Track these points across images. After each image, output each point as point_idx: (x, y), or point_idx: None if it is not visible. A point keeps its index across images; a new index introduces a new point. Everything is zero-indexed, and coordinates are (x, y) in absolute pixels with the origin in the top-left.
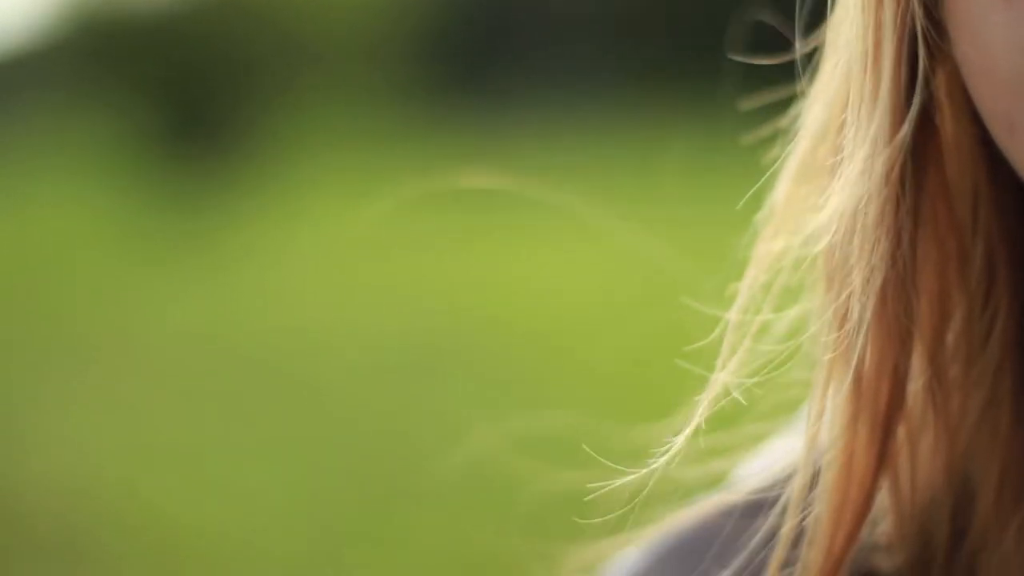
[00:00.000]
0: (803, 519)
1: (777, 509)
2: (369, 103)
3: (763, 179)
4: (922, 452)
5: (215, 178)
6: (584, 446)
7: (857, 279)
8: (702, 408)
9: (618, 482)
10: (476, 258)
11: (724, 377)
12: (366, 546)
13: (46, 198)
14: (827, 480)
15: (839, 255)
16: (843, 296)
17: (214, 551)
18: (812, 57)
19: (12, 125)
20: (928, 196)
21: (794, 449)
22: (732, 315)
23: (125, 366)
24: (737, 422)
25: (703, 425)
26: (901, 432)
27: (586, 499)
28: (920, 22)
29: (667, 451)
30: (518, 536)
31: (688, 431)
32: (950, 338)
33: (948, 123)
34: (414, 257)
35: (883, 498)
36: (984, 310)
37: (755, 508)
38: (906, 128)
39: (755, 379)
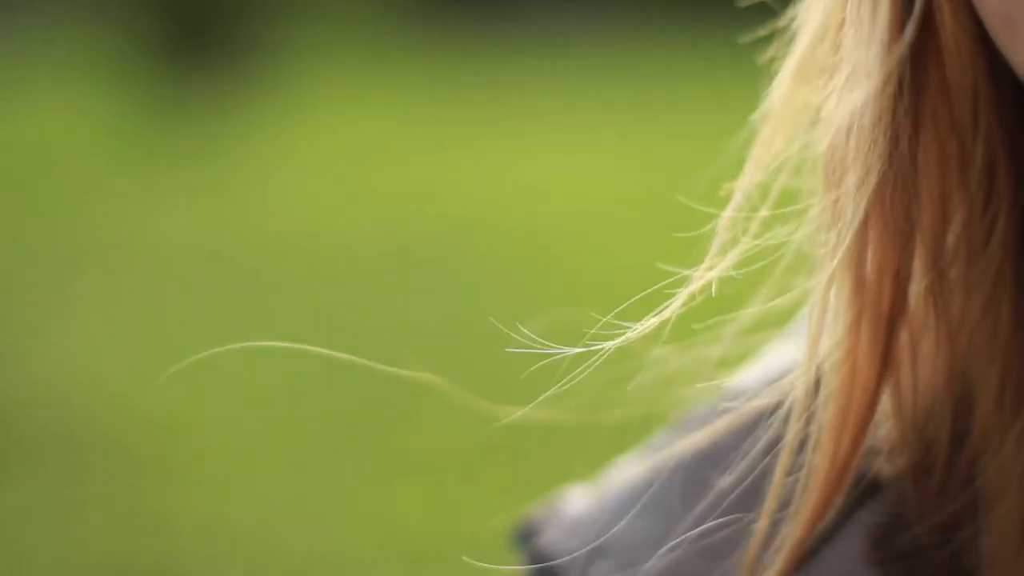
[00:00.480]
0: (806, 425)
1: (779, 417)
2: (372, 12)
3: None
4: (923, 355)
5: (215, 87)
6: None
7: (855, 180)
8: (681, 297)
9: (600, 357)
10: (481, 165)
11: (711, 275)
12: (363, 445)
13: (43, 105)
14: (831, 384)
15: (838, 156)
16: (841, 197)
17: (211, 449)
18: None
19: (7, 30)
20: (928, 97)
21: (792, 357)
22: (725, 213)
23: (122, 272)
24: (733, 330)
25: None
26: (903, 336)
27: (563, 385)
28: None
29: (643, 330)
30: (516, 433)
31: (658, 315)
32: (951, 240)
33: (948, 23)
34: (415, 164)
35: (884, 402)
36: (984, 212)
37: (756, 417)
38: (909, 28)
39: (743, 270)
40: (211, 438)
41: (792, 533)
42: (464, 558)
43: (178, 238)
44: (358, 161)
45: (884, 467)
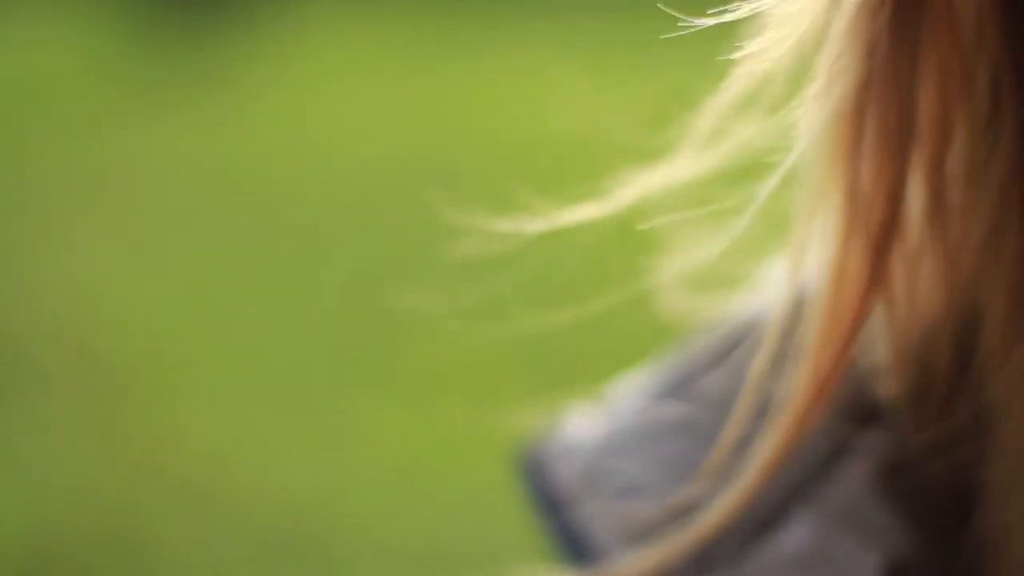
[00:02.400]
0: (789, 339)
1: (768, 332)
2: None
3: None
4: (921, 277)
5: (215, 18)
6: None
7: (852, 80)
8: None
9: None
10: (488, 87)
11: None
12: (368, 369)
13: (41, 34)
14: (817, 296)
15: (833, 62)
16: (836, 97)
17: (217, 376)
18: None
19: None
20: (930, 16)
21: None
22: (705, 120)
23: (127, 200)
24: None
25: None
26: (899, 256)
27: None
28: None
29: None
30: (521, 360)
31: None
32: (951, 163)
33: None
34: (422, 87)
35: (881, 324)
36: (986, 135)
37: (747, 330)
38: None
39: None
40: (215, 365)
41: (765, 449)
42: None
43: (180, 162)
44: (362, 81)
45: (879, 389)
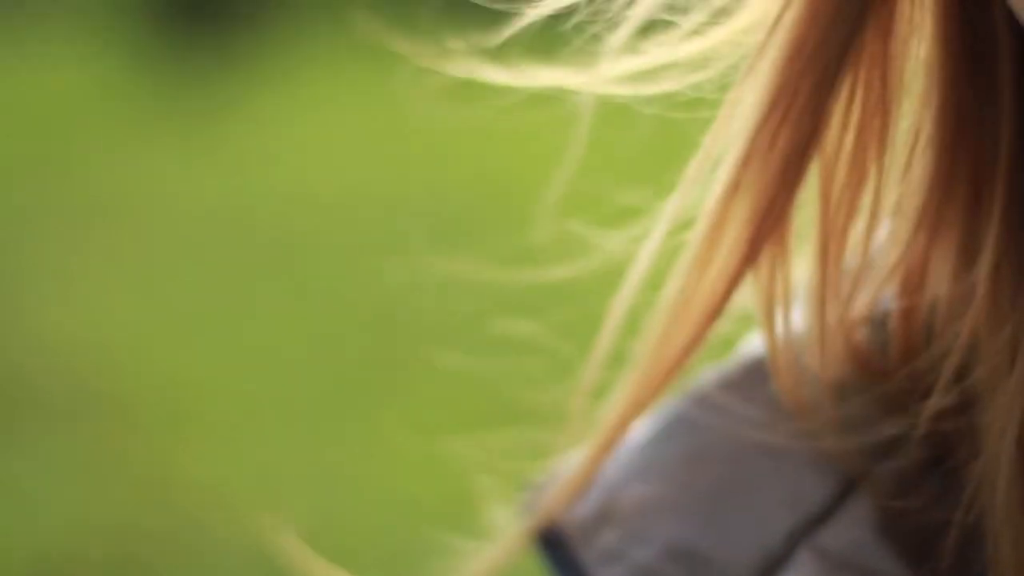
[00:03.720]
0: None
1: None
2: None
3: None
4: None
5: (221, 50)
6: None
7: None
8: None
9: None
10: (482, 130)
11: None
12: (373, 403)
13: (51, 63)
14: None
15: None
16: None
17: (217, 410)
18: None
19: None
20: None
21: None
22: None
23: (130, 232)
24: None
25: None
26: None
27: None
28: None
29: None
30: (529, 385)
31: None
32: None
33: None
34: (418, 128)
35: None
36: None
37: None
38: None
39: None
40: (217, 399)
41: (615, 407)
42: (467, 524)
43: (181, 193)
44: (365, 119)
45: (893, 422)
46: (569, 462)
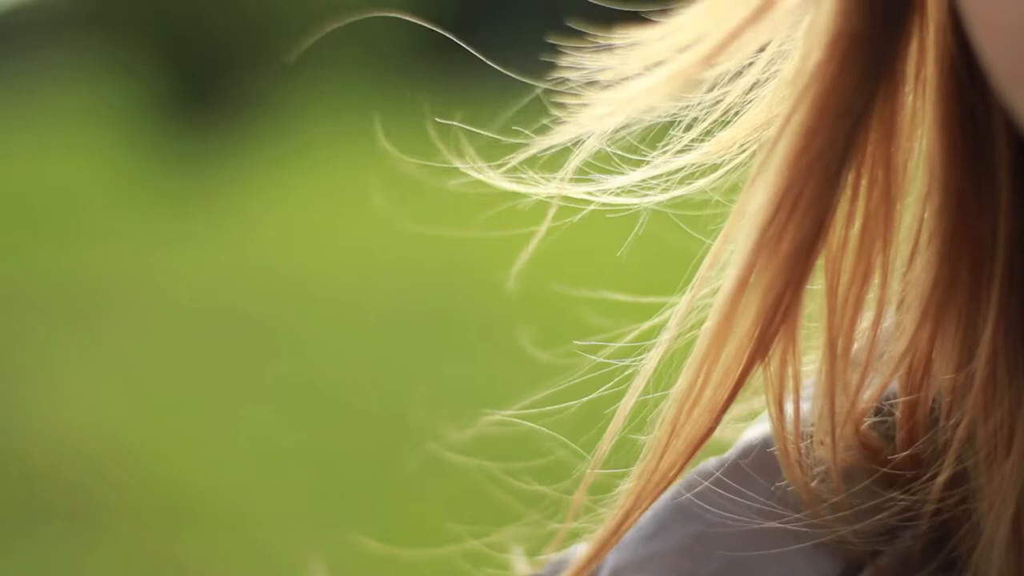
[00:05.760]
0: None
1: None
2: (373, 69)
3: None
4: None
5: (217, 136)
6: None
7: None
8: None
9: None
10: (469, 223)
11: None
12: (364, 500)
13: (47, 151)
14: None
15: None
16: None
17: (214, 505)
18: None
19: (13, 74)
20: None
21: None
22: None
23: (126, 321)
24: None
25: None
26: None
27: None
28: None
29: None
30: (522, 484)
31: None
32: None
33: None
34: (409, 219)
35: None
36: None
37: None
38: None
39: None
40: (214, 491)
41: (626, 495)
42: None
43: (180, 284)
44: (362, 210)
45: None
46: (574, 553)
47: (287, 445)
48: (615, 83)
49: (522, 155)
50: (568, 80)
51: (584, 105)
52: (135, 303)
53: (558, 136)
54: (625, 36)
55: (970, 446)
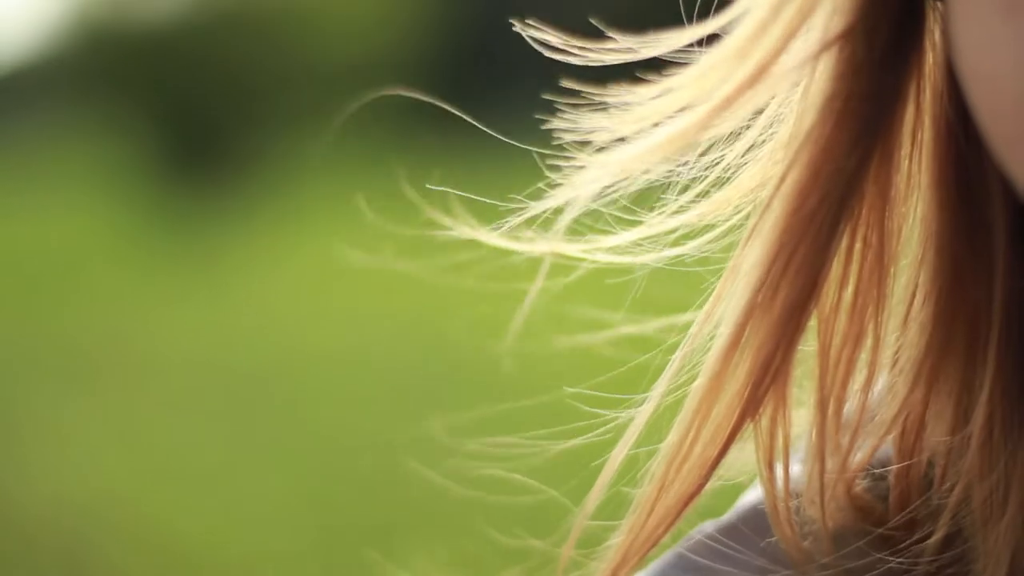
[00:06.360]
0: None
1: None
2: (370, 127)
3: None
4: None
5: (216, 196)
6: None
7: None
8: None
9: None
10: (465, 287)
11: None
12: (362, 558)
13: (48, 212)
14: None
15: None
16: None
17: (215, 564)
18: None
19: (15, 135)
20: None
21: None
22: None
23: (125, 381)
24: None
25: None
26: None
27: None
28: None
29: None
30: (521, 538)
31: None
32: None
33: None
34: (407, 280)
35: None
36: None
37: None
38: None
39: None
40: (214, 556)
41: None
42: None
43: (179, 344)
44: (354, 274)
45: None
46: None
47: (285, 502)
48: (610, 144)
49: (519, 218)
50: (562, 141)
51: (579, 167)
52: (134, 362)
53: (554, 199)
54: (620, 95)
55: (965, 506)
